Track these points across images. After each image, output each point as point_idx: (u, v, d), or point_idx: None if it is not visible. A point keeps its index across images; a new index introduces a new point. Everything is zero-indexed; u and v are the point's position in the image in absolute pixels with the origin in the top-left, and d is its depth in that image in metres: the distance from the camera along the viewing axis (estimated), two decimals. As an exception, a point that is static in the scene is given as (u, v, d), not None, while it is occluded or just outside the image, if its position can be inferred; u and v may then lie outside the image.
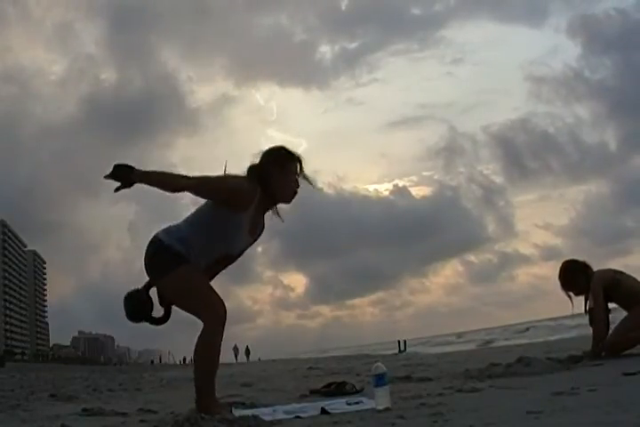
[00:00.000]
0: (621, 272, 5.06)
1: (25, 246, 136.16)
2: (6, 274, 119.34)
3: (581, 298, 5.08)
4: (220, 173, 3.12)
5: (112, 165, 2.94)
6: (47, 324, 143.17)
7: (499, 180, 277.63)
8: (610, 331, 4.92)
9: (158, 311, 3.24)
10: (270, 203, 3.21)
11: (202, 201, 3.18)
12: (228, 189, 3.05)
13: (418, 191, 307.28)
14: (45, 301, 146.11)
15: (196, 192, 3.07)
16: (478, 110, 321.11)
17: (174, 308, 3.21)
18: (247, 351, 50.00)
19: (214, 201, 3.11)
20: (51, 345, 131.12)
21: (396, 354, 22.56)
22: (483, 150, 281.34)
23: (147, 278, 3.22)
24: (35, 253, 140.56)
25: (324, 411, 3.24)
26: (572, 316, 5.26)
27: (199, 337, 3.01)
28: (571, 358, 4.89)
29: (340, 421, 2.83)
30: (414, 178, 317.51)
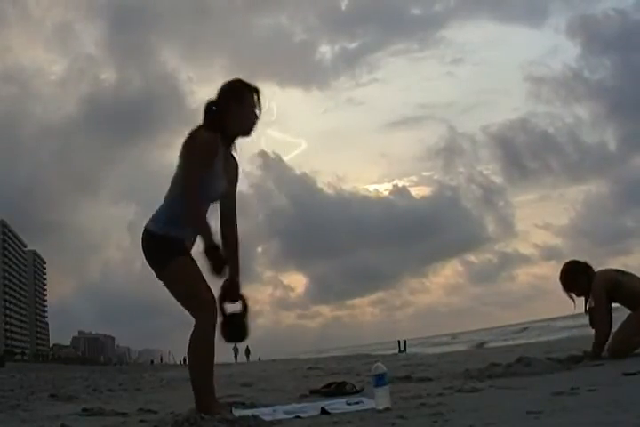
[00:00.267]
0: (623, 272, 5.05)
1: (25, 246, 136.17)
2: (6, 274, 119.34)
3: (583, 298, 5.07)
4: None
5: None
6: (47, 324, 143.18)
7: (498, 180, 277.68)
8: (612, 331, 4.91)
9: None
10: (232, 137, 3.17)
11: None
12: (198, 165, 3.02)
13: (418, 191, 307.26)
14: (45, 301, 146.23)
15: (187, 189, 3.04)
16: (478, 110, 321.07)
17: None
18: (247, 351, 49.97)
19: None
20: (51, 345, 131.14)
21: (395, 354, 22.57)
22: (482, 150, 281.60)
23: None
24: (35, 253, 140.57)
25: (324, 411, 3.24)
26: (573, 316, 5.25)
27: (191, 336, 3.01)
28: (571, 358, 4.88)
29: (340, 421, 2.83)
30: (414, 178, 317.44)
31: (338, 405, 3.43)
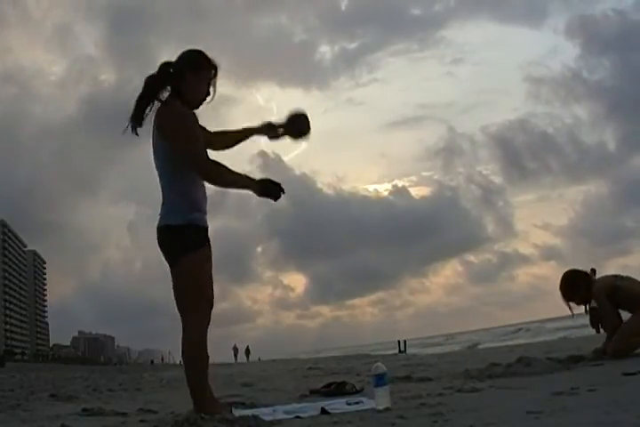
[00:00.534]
0: (622, 277, 5.08)
1: (25, 246, 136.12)
2: (6, 274, 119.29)
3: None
4: None
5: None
6: (47, 324, 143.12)
7: (498, 180, 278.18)
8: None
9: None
10: (184, 104, 3.11)
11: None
12: (194, 136, 3.01)
13: (417, 191, 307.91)
14: (45, 301, 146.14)
15: (199, 160, 3.02)
16: (478, 110, 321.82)
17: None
18: (247, 351, 49.97)
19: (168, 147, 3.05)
20: (51, 345, 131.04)
21: (395, 354, 22.57)
22: (482, 151, 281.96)
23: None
24: (35, 253, 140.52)
25: (324, 411, 3.24)
26: (573, 316, 5.26)
27: (184, 338, 2.98)
28: (571, 358, 4.90)
29: (340, 421, 2.83)
30: (414, 178, 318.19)
31: (338, 405, 3.43)
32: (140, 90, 3.11)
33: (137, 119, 3.09)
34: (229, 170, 3.03)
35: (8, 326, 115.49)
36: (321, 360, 18.67)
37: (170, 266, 3.05)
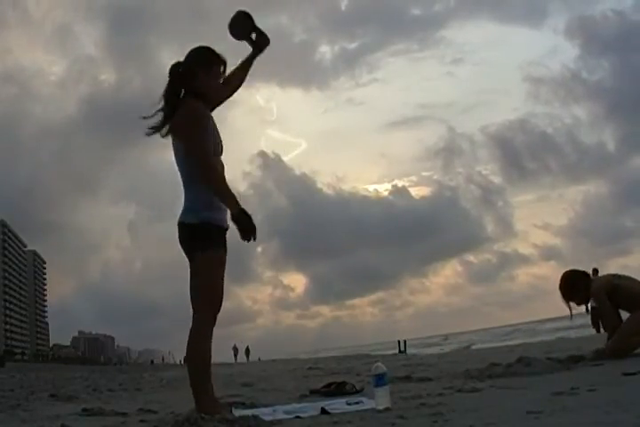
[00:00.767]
0: (620, 276, 5.09)
1: (25, 246, 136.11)
2: (6, 274, 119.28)
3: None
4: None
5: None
6: (47, 324, 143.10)
7: (497, 180, 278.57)
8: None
9: None
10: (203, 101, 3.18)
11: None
12: (203, 134, 3.04)
13: (417, 191, 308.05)
14: (45, 301, 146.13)
15: (202, 157, 3.05)
16: (477, 111, 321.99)
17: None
18: (247, 351, 49.97)
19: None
20: (51, 345, 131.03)
21: (395, 354, 22.55)
22: (482, 151, 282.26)
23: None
24: (35, 253, 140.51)
25: (324, 411, 3.24)
26: (572, 316, 5.27)
27: (190, 334, 3.01)
28: (571, 358, 4.90)
29: (340, 421, 2.83)
30: (414, 178, 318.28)
31: (338, 405, 3.43)
32: (160, 98, 3.16)
33: (161, 126, 3.17)
34: (225, 183, 3.05)
35: (8, 326, 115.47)
36: (321, 360, 18.66)
37: (189, 263, 3.11)
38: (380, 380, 3.11)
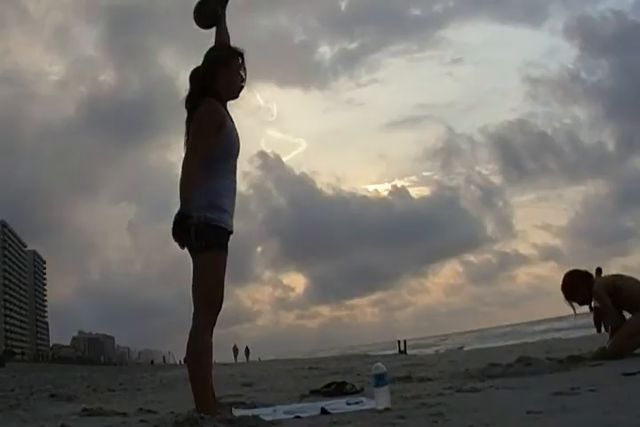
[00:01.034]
0: (622, 276, 5.09)
1: (25, 246, 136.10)
2: (6, 274, 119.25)
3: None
4: None
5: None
6: (47, 324, 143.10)
7: (497, 180, 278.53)
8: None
9: None
10: (221, 101, 3.20)
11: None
12: (213, 134, 3.06)
13: (417, 192, 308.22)
14: (45, 301, 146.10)
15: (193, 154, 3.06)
16: (477, 111, 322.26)
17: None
18: (247, 351, 49.96)
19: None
20: (51, 345, 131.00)
21: (395, 354, 22.55)
22: (481, 151, 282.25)
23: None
24: (35, 253, 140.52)
25: (324, 411, 3.24)
26: (575, 315, 5.27)
27: (190, 334, 3.02)
28: (571, 358, 4.90)
29: (340, 421, 2.83)
30: (413, 178, 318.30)
31: (338, 405, 3.43)
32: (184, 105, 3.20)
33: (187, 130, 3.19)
34: (187, 186, 3.03)
35: (8, 326, 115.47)
36: (321, 360, 18.66)
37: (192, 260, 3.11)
38: (380, 380, 3.11)
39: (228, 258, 3.13)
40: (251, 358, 48.46)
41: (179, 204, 3.04)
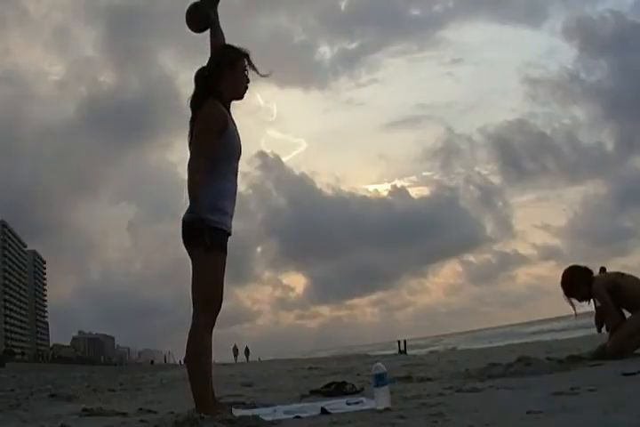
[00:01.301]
0: (622, 274, 5.06)
1: (25, 246, 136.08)
2: (6, 274, 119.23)
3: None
4: None
5: None
6: (47, 324, 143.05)
7: (497, 180, 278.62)
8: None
9: None
10: (226, 101, 3.21)
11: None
12: (213, 136, 3.06)
13: (416, 192, 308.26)
14: (45, 301, 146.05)
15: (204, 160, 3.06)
16: (477, 111, 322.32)
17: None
18: (246, 352, 49.98)
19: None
20: (51, 345, 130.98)
21: (395, 354, 22.55)
22: (481, 151, 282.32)
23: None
24: (35, 253, 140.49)
25: (324, 411, 3.23)
26: (576, 314, 5.26)
27: (190, 335, 3.02)
28: (571, 358, 4.89)
29: (340, 421, 2.83)
30: (413, 178, 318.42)
31: (338, 405, 3.43)
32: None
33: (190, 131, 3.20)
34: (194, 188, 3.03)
35: (8, 326, 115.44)
36: (321, 360, 18.66)
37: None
38: (380, 380, 3.11)
39: (228, 258, 3.14)
40: (251, 358, 48.47)
41: (177, 203, 3.05)
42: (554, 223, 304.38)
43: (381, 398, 3.09)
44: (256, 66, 3.24)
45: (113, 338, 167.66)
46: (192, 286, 3.08)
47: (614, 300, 4.89)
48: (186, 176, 3.08)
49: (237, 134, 3.21)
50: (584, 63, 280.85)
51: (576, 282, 5.04)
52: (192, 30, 3.40)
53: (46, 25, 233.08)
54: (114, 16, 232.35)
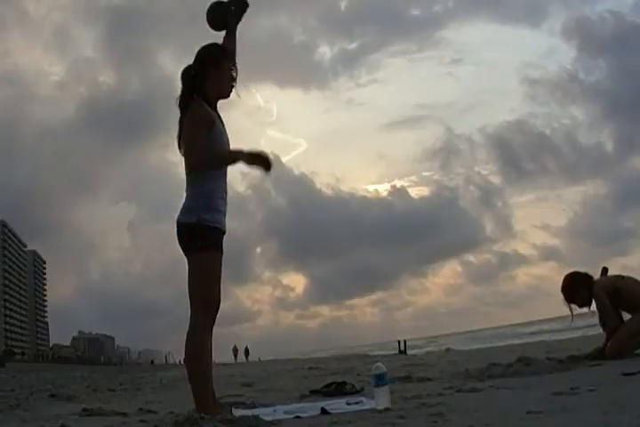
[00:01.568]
0: (622, 277, 5.07)
1: (25, 246, 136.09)
2: (6, 274, 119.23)
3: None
4: None
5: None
6: (47, 324, 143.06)
7: (496, 180, 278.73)
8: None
9: None
10: (213, 100, 3.21)
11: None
12: (200, 135, 3.06)
13: (416, 192, 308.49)
14: (45, 301, 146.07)
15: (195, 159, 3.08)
16: (477, 111, 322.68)
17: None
18: (246, 352, 49.98)
19: None
20: (51, 345, 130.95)
21: (395, 354, 22.54)
22: (481, 151, 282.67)
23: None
24: (35, 253, 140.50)
25: (324, 411, 3.23)
26: (572, 319, 5.27)
27: (188, 336, 3.02)
28: (571, 358, 4.89)
29: (340, 421, 2.83)
30: (413, 178, 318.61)
31: (338, 405, 3.43)
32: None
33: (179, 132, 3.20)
34: (218, 153, 3.09)
35: (8, 326, 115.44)
36: (321, 360, 18.65)
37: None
38: (380, 380, 3.11)
39: (225, 258, 3.13)
40: (250, 358, 48.46)
41: (177, 203, 3.06)
42: (554, 223, 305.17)
43: (381, 398, 3.09)
44: (242, 67, 3.27)
45: (113, 338, 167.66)
46: (189, 286, 3.08)
47: (614, 302, 4.90)
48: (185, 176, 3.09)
49: (226, 134, 3.21)
50: (583, 63, 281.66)
51: (576, 287, 5.06)
52: (211, 29, 3.45)
53: (46, 25, 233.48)
54: (114, 16, 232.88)
